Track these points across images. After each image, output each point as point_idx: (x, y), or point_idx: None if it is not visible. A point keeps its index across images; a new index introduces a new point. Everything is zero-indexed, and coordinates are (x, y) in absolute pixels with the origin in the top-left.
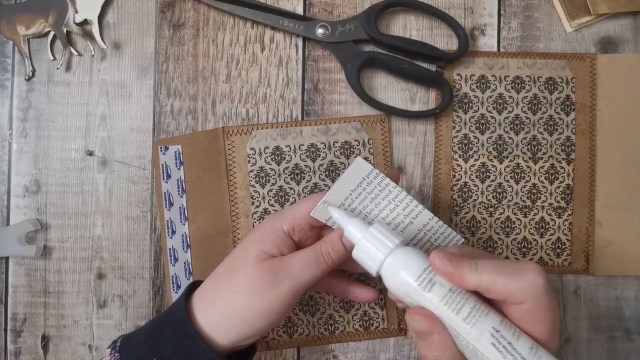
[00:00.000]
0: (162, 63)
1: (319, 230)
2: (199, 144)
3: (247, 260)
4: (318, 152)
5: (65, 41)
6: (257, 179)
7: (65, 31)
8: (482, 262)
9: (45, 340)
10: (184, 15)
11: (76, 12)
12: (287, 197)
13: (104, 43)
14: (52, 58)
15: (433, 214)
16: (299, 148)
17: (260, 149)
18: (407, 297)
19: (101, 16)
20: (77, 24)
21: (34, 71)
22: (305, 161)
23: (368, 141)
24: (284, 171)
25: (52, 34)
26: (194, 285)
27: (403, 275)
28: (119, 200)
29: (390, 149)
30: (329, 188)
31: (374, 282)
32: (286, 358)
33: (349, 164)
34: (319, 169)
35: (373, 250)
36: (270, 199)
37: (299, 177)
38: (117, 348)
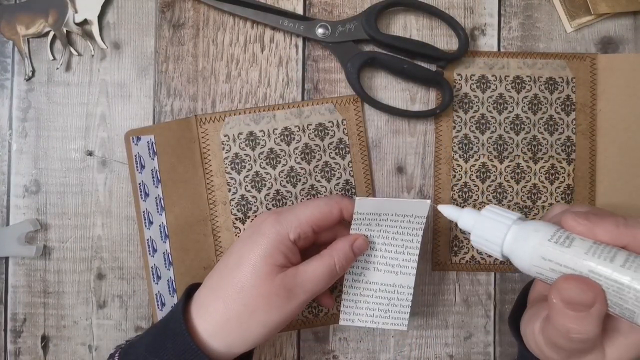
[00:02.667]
0: (162, 63)
1: (318, 234)
2: (172, 133)
3: (259, 278)
4: (292, 136)
5: (65, 41)
6: (232, 165)
7: (65, 31)
8: (633, 219)
9: (45, 340)
10: (184, 15)
11: (76, 12)
12: (263, 182)
13: (104, 43)
14: (52, 58)
15: (413, 289)
16: (273, 132)
17: (234, 135)
18: (543, 263)
19: (101, 16)
20: (77, 24)
21: (33, 71)
22: (280, 145)
23: (342, 122)
24: (259, 156)
25: (52, 34)
26: (190, 291)
27: (533, 238)
28: (119, 200)
29: (364, 128)
30: (305, 169)
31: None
32: (286, 358)
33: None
34: (294, 152)
35: (490, 230)
36: (247, 185)
37: (274, 161)
38: None
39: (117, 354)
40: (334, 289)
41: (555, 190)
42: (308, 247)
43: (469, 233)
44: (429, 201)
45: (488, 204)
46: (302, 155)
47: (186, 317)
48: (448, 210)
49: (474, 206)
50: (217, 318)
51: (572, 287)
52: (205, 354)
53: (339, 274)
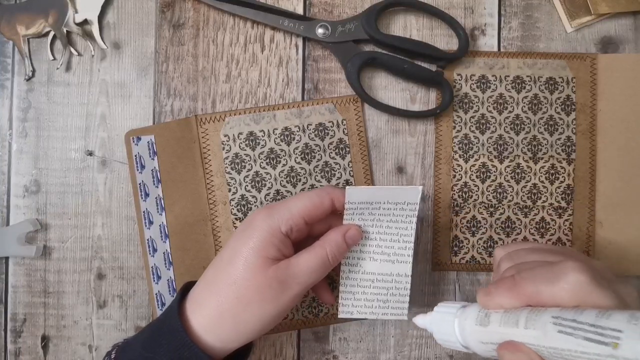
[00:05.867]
0: (162, 63)
1: (311, 226)
2: (172, 133)
3: (252, 270)
4: (292, 136)
5: (65, 41)
6: (232, 165)
7: (65, 31)
8: (519, 275)
9: (45, 340)
10: (184, 15)
11: (76, 12)
12: (263, 182)
13: (104, 43)
14: (52, 58)
15: (411, 277)
16: (273, 132)
17: (234, 135)
18: (484, 346)
19: (101, 16)
20: (77, 24)
21: (34, 71)
22: (280, 145)
23: (342, 122)
24: (259, 156)
25: (52, 34)
26: (186, 289)
27: (468, 326)
28: (119, 200)
29: (364, 128)
30: (305, 169)
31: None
32: (286, 358)
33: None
34: (294, 152)
35: (444, 328)
36: (247, 185)
37: (274, 161)
38: (113, 359)
39: (113, 351)
40: (335, 288)
41: (555, 190)
42: (302, 239)
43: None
44: (420, 187)
45: (488, 203)
46: (302, 155)
47: (181, 314)
48: (418, 320)
49: (474, 206)
50: (211, 312)
51: (504, 352)
52: (200, 349)
53: (332, 265)
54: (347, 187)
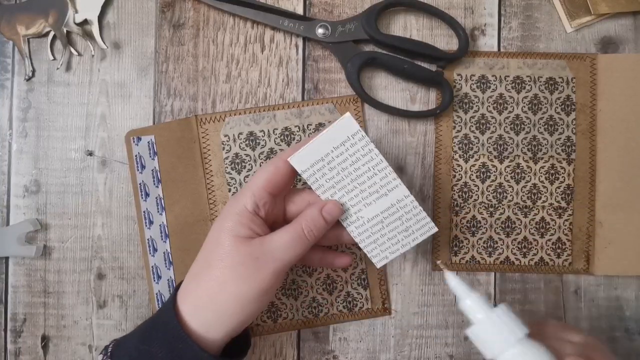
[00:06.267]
0: (162, 63)
1: (282, 199)
2: (172, 133)
3: (224, 250)
4: (292, 136)
5: (65, 41)
6: (232, 165)
7: (65, 31)
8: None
9: (45, 340)
10: (184, 15)
11: (76, 12)
12: None
13: (104, 43)
14: (52, 58)
15: (410, 192)
16: (273, 132)
17: (234, 135)
18: None
19: (101, 16)
20: (77, 24)
21: (34, 71)
22: (280, 145)
23: None
24: (259, 156)
25: (52, 34)
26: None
27: None
28: (119, 200)
29: (364, 129)
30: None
31: (348, 249)
32: (286, 358)
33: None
34: None
35: (496, 335)
36: None
37: None
38: (109, 353)
39: (110, 345)
40: (334, 289)
41: (555, 190)
42: (279, 217)
43: (469, 321)
44: (347, 114)
45: (488, 203)
46: None
47: (175, 307)
48: (455, 282)
49: (474, 206)
50: (193, 298)
51: None
52: (193, 341)
53: (310, 241)
54: (289, 158)
